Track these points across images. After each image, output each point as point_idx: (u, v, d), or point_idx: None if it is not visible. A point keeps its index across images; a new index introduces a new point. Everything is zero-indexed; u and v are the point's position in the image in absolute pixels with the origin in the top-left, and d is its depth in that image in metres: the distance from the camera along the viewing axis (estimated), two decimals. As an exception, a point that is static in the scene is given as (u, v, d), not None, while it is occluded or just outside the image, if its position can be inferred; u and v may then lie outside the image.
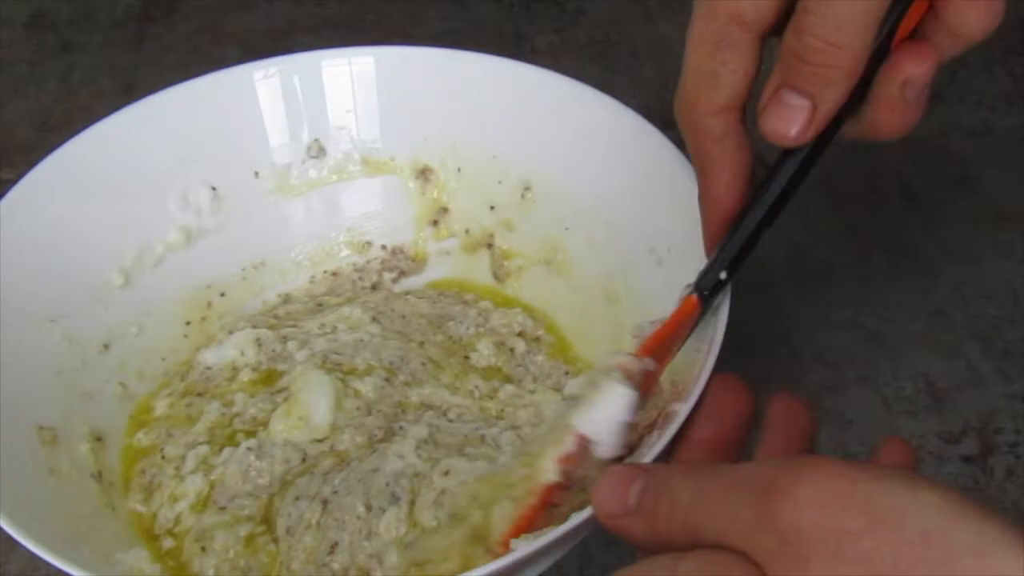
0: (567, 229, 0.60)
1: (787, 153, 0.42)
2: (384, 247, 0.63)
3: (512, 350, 0.58)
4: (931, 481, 0.32)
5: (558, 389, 0.56)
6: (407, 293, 0.62)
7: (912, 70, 0.40)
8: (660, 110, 0.73)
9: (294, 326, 0.59)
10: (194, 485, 0.52)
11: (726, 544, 0.33)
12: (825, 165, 0.70)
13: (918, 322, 0.62)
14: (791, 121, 0.40)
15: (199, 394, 0.57)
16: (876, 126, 0.42)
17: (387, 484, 0.50)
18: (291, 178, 0.62)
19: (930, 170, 0.70)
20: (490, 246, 0.62)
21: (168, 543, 0.51)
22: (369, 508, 0.50)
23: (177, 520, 0.52)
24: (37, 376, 0.52)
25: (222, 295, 0.60)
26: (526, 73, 0.59)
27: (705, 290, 0.46)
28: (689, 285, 0.46)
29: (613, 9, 0.83)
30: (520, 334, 0.59)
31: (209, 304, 0.60)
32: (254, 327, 0.59)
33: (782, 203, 0.44)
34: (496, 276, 0.62)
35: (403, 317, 0.59)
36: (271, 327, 0.59)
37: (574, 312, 0.60)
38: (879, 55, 0.41)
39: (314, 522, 0.50)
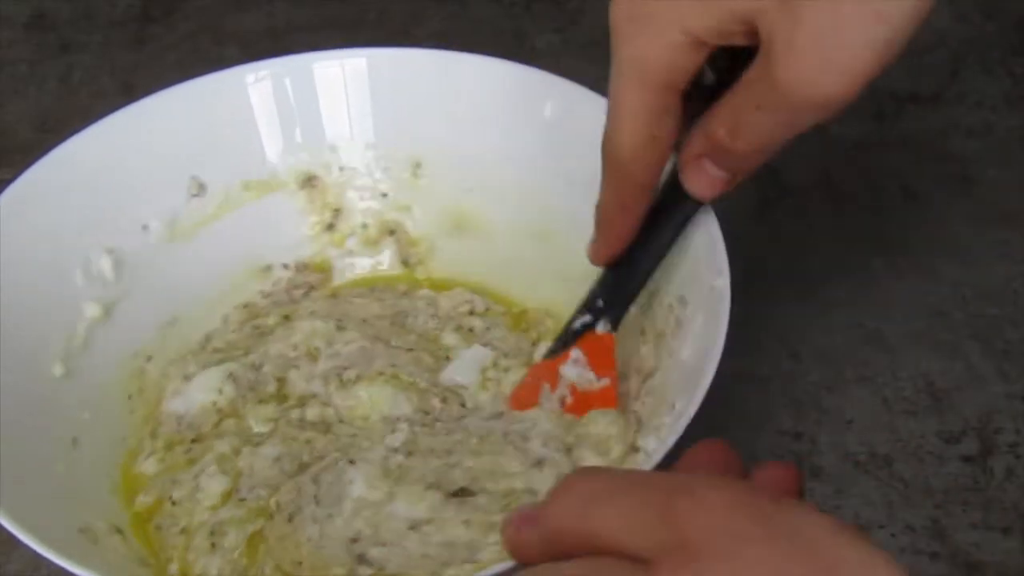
0: (470, 190, 0.60)
1: (672, 207, 0.49)
2: (286, 266, 0.61)
3: (471, 330, 0.58)
4: (825, 513, 0.32)
5: (529, 363, 0.56)
6: (337, 295, 0.61)
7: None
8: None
9: (245, 354, 0.57)
10: (220, 485, 0.52)
11: (620, 544, 0.32)
12: (825, 165, 0.71)
13: (918, 322, 0.62)
14: (713, 187, 0.46)
15: (194, 440, 0.55)
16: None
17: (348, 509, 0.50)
18: (179, 223, 0.59)
19: (930, 170, 0.70)
20: (392, 232, 0.62)
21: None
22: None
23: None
24: (46, 479, 0.50)
25: (149, 359, 0.57)
26: (397, 57, 0.60)
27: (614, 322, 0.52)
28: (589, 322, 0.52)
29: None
30: (471, 312, 0.59)
31: (142, 372, 0.57)
32: (220, 364, 0.57)
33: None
34: (406, 263, 0.62)
35: (364, 321, 0.58)
36: (224, 360, 0.57)
37: (506, 265, 0.60)
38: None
39: (304, 540, 0.50)
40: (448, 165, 0.59)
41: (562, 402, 0.53)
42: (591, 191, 0.50)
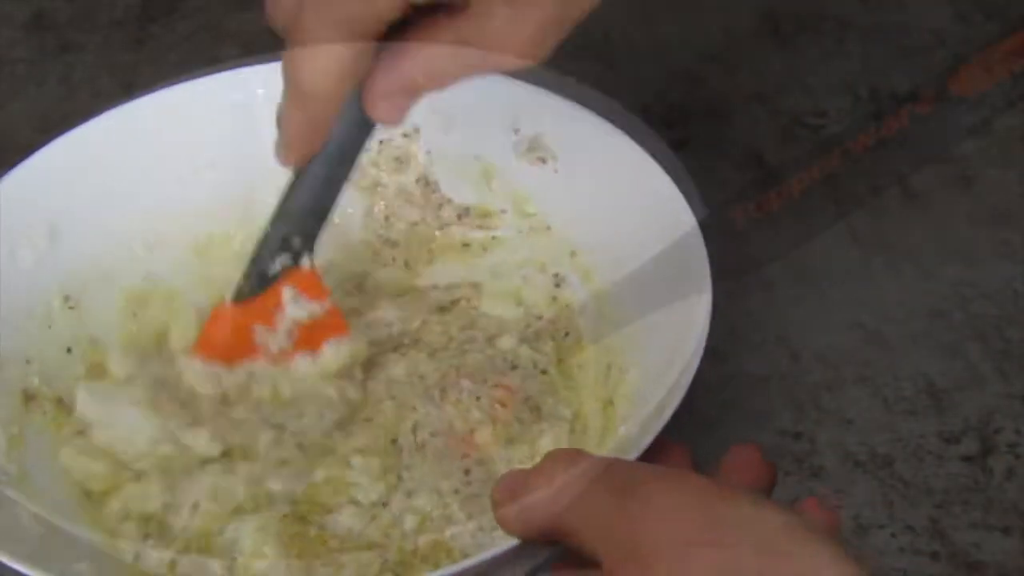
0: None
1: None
2: None
3: None
4: (777, 504, 0.34)
5: None
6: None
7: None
8: (660, 110, 0.73)
9: None
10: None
11: (581, 543, 0.35)
12: (825, 165, 0.70)
13: (918, 322, 0.62)
14: (402, 114, 0.49)
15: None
16: None
17: None
18: None
19: (930, 170, 0.70)
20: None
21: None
22: None
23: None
24: None
25: None
26: None
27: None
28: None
29: (613, 9, 0.83)
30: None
31: None
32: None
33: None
34: None
35: None
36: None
37: None
38: None
39: None
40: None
41: (290, 337, 0.54)
42: None
